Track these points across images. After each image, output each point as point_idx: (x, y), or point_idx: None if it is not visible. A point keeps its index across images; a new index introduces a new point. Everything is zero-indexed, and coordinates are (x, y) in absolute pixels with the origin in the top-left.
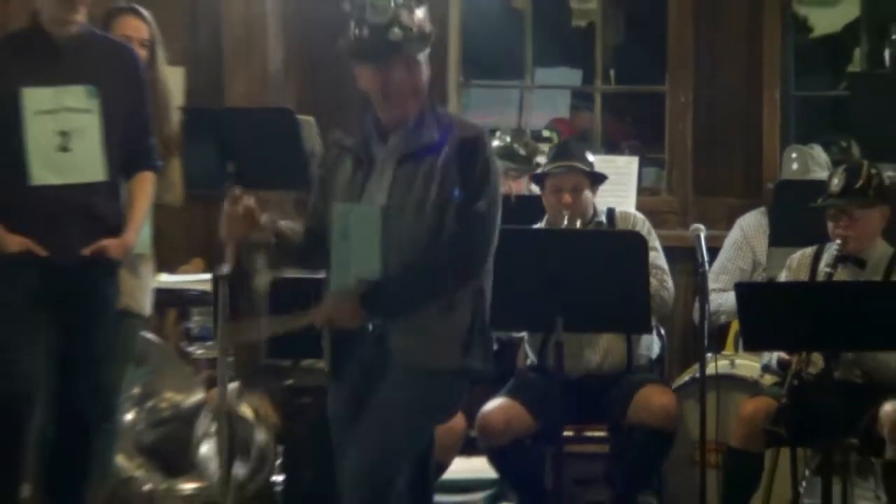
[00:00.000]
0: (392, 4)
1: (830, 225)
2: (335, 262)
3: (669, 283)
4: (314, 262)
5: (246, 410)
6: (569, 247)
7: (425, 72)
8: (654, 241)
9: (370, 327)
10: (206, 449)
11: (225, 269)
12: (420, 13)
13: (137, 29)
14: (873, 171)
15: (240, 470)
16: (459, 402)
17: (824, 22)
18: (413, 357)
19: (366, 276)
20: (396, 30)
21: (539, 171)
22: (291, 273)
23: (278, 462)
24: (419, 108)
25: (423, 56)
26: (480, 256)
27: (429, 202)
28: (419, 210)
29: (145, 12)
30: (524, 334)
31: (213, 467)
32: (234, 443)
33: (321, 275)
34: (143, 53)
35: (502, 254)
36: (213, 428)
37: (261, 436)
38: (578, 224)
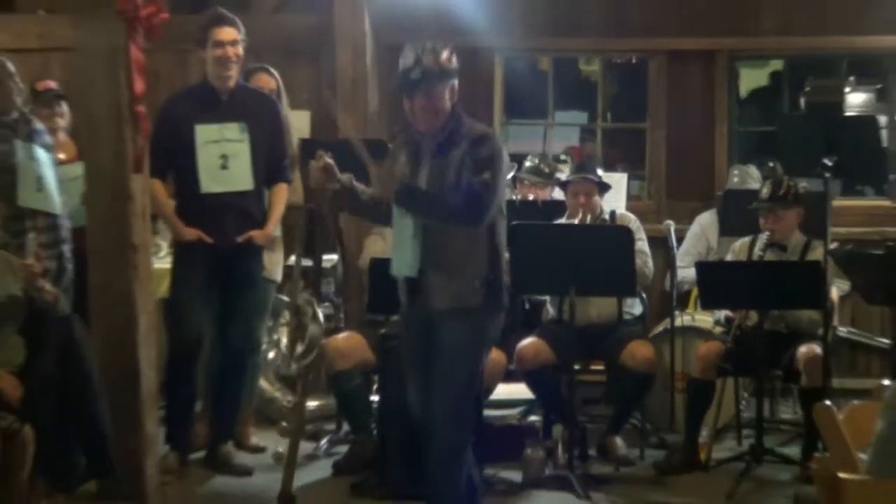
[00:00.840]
0: (415, 53)
1: (761, 221)
2: (396, 216)
3: (650, 263)
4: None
5: (308, 309)
6: (579, 237)
7: (447, 97)
8: (641, 234)
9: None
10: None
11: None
12: (445, 55)
13: (267, 82)
14: (791, 183)
15: (299, 348)
16: (496, 333)
17: (757, 78)
18: (446, 302)
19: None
20: (417, 70)
21: (564, 179)
22: None
23: (375, 386)
24: (442, 122)
25: (443, 86)
26: (479, 207)
27: (448, 182)
28: (444, 188)
29: (273, 70)
30: (547, 297)
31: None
32: (299, 329)
33: None
34: None
35: (532, 241)
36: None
37: (314, 328)
38: (589, 219)
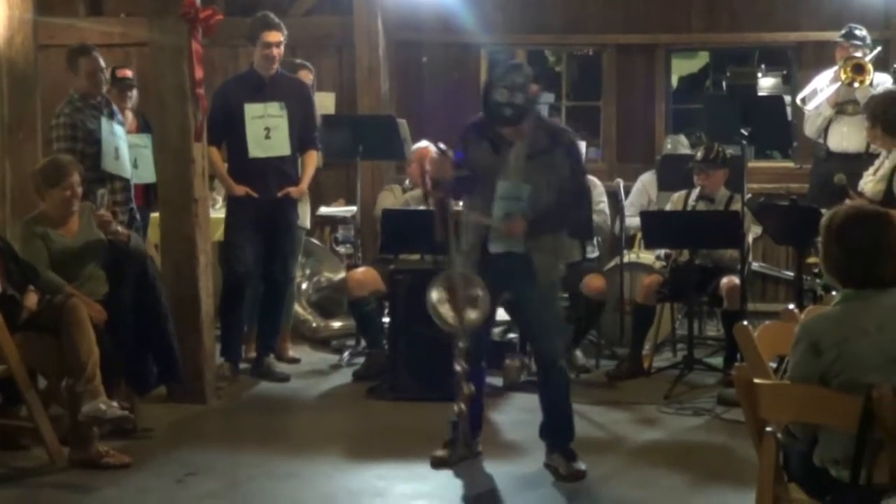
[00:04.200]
0: (508, 91)
1: (696, 178)
2: (503, 203)
3: (608, 221)
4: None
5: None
6: None
7: (531, 117)
8: (602, 196)
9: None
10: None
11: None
12: (533, 88)
13: (307, 76)
14: (720, 149)
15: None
16: None
17: (688, 66)
18: (549, 274)
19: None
20: (508, 109)
21: None
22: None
23: (386, 310)
24: (527, 130)
25: (529, 117)
26: (588, 207)
27: (550, 180)
28: (549, 185)
29: (311, 67)
30: None
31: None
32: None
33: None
34: None
35: None
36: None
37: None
38: None
